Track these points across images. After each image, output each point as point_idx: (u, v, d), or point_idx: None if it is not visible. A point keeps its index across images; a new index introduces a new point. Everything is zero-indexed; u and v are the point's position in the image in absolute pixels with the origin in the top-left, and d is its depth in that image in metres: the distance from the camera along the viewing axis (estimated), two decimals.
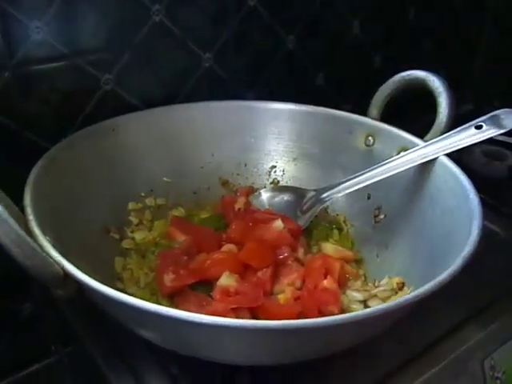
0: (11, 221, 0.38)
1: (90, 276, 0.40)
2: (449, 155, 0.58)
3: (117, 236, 0.62)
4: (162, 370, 0.51)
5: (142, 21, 0.65)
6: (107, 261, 0.59)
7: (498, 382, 0.59)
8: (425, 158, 0.59)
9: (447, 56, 1.05)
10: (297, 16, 0.80)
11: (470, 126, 0.58)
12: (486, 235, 0.68)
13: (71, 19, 0.60)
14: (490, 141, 0.87)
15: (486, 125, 0.57)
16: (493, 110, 0.58)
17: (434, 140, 0.59)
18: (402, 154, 0.61)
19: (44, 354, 0.74)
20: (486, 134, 0.56)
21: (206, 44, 0.72)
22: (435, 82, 0.62)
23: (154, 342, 0.46)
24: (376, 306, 0.38)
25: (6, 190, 0.47)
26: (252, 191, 0.71)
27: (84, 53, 0.63)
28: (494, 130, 0.56)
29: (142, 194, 0.67)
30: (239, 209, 0.68)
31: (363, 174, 0.62)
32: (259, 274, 0.56)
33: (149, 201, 0.67)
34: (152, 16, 0.65)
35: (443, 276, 0.41)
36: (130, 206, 0.65)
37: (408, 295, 0.40)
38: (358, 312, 0.37)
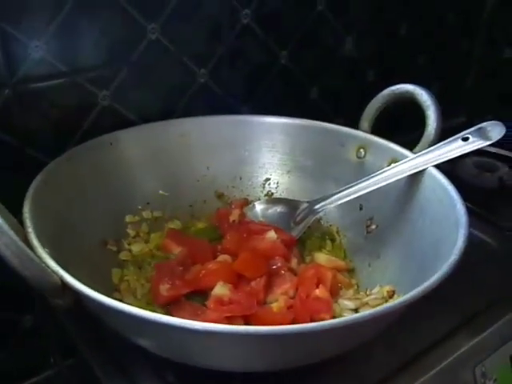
0: (11, 233, 0.39)
1: (87, 286, 0.41)
2: (440, 167, 0.60)
3: (114, 248, 0.63)
4: (158, 379, 0.52)
5: (139, 39, 0.67)
6: (105, 272, 0.60)
7: None
8: (414, 169, 0.60)
9: (440, 70, 1.07)
10: (290, 32, 0.82)
11: (457, 138, 0.59)
12: (477, 245, 0.71)
13: (69, 38, 0.62)
14: (482, 152, 0.91)
15: (473, 136, 0.58)
16: None
17: (423, 152, 0.61)
18: (392, 165, 0.62)
19: (43, 365, 0.76)
20: (472, 145, 0.58)
21: (201, 60, 0.74)
22: (423, 96, 0.63)
23: (151, 349, 0.47)
24: (364, 312, 0.40)
25: (5, 202, 0.49)
26: (246, 203, 0.72)
27: (82, 70, 0.64)
28: (480, 142, 0.58)
29: (139, 207, 0.68)
30: (233, 221, 0.69)
31: (355, 185, 0.63)
32: (253, 283, 0.58)
33: (146, 214, 0.68)
34: (148, 34, 0.67)
35: (430, 282, 0.43)
36: (128, 218, 0.67)
37: (395, 301, 0.41)
38: (347, 317, 0.39)
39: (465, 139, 0.59)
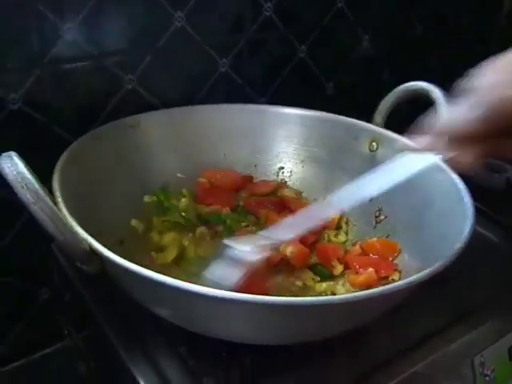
0: (47, 198, 0.42)
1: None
2: None
3: (137, 224, 0.65)
4: (172, 350, 0.54)
5: (165, 26, 0.70)
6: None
7: (487, 378, 0.61)
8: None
9: (454, 71, 1.08)
10: (309, 27, 0.84)
11: None
12: (483, 244, 0.73)
13: (100, 22, 0.65)
14: None
15: None
16: None
17: None
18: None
19: (58, 337, 0.78)
20: None
21: (223, 50, 0.77)
22: (436, 93, 0.66)
23: (169, 318, 0.50)
24: (373, 289, 0.42)
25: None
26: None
27: (110, 54, 0.67)
28: None
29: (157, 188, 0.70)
30: None
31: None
32: None
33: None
34: (174, 22, 0.70)
35: (436, 266, 0.45)
36: (146, 198, 0.69)
37: (400, 282, 0.43)
38: (357, 293, 0.41)
39: None
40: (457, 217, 0.54)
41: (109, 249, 0.44)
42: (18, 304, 0.75)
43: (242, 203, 0.72)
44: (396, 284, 0.44)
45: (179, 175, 0.72)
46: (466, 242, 0.49)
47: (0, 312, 0.74)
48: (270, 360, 0.52)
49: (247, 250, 0.48)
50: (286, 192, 0.74)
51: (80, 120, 0.68)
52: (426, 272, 0.45)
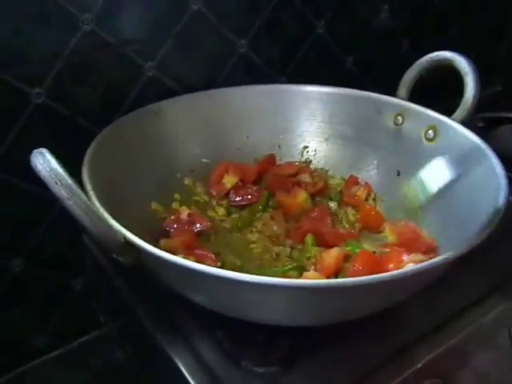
0: (81, 193, 0.42)
1: None
2: (477, 133, 0.61)
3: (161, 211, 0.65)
4: (209, 334, 0.54)
5: (182, 11, 0.69)
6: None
7: None
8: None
9: (474, 41, 1.06)
10: (326, 2, 0.83)
11: None
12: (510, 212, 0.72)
13: (117, 11, 0.64)
14: None
15: None
16: None
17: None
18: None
19: (94, 326, 0.80)
20: None
21: (241, 31, 0.76)
22: (462, 63, 0.64)
23: (203, 304, 0.50)
24: (409, 267, 0.42)
25: None
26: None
27: (129, 42, 0.67)
28: None
29: (182, 174, 0.70)
30: None
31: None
32: None
33: (187, 180, 0.71)
34: (191, 5, 0.69)
35: (471, 240, 0.45)
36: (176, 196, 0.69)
37: (439, 257, 0.43)
38: (393, 272, 0.41)
39: None
40: (489, 187, 0.54)
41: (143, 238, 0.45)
42: (54, 295, 0.76)
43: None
44: (433, 261, 0.43)
45: (204, 160, 0.72)
46: (501, 215, 0.48)
47: (37, 303, 0.75)
48: (306, 341, 0.53)
49: None
50: (304, 178, 0.73)
51: (103, 110, 0.68)
52: (462, 248, 0.44)
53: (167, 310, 0.58)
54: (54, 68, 0.63)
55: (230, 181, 0.71)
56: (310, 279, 0.50)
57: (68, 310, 0.78)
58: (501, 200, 0.49)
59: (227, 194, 0.71)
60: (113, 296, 0.67)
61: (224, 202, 0.71)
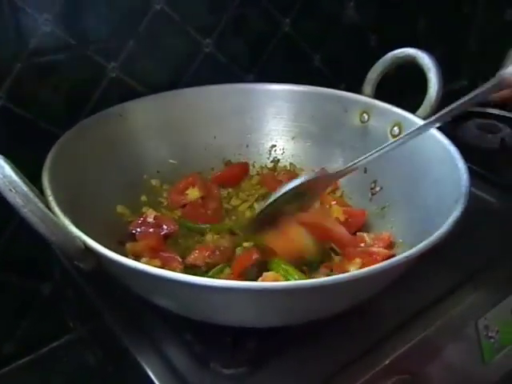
0: (36, 200, 0.41)
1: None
2: (443, 129, 0.60)
3: (127, 214, 0.65)
4: (177, 338, 0.54)
5: (144, 10, 0.68)
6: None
7: (492, 340, 0.62)
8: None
9: (442, 34, 1.07)
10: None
11: None
12: (479, 204, 0.73)
13: (77, 11, 0.63)
14: (484, 114, 0.92)
15: None
16: None
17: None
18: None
19: (63, 331, 0.79)
20: None
21: (206, 30, 0.75)
22: (425, 59, 0.65)
23: (170, 308, 0.50)
24: (372, 266, 0.42)
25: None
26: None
27: (90, 43, 0.66)
28: None
29: (148, 176, 0.70)
30: None
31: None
32: None
33: (155, 182, 0.70)
34: (154, 5, 0.68)
35: (434, 236, 0.45)
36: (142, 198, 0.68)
37: (403, 254, 0.43)
38: (360, 270, 0.41)
39: None
40: (452, 183, 0.54)
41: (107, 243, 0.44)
42: (22, 300, 0.75)
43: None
44: (396, 258, 0.43)
45: (171, 161, 0.72)
46: (463, 209, 0.49)
47: (4, 310, 0.74)
48: (274, 341, 0.53)
49: None
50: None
51: (66, 113, 0.67)
52: (425, 243, 0.45)
53: (135, 315, 0.57)
54: (13, 70, 0.61)
55: (192, 194, 0.69)
56: (268, 281, 0.49)
57: (38, 315, 0.77)
58: (462, 196, 0.50)
59: (184, 206, 0.69)
60: (81, 301, 0.66)
61: (177, 211, 0.69)
